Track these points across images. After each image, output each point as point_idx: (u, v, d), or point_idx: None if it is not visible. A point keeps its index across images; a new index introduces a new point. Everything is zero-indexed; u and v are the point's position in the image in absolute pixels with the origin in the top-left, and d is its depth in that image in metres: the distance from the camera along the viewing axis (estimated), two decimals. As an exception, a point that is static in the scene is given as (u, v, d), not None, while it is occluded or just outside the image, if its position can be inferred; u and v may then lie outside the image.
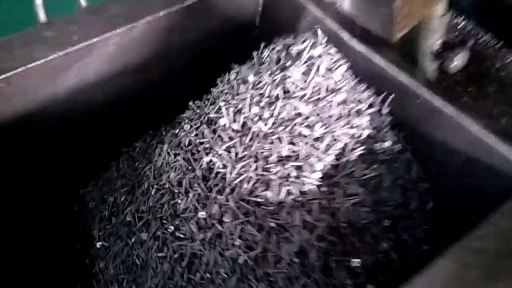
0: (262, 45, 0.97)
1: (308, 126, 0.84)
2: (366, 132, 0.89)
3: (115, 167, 1.18)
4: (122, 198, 1.06)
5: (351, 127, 0.87)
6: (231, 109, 0.87)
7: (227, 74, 0.96)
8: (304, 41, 0.90)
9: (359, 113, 0.90)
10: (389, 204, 0.88)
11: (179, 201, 0.88)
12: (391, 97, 0.94)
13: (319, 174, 0.82)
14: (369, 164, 0.87)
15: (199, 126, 0.91)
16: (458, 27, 1.12)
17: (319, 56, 0.88)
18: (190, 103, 0.98)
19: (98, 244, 1.06)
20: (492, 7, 1.23)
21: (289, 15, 1.10)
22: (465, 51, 0.98)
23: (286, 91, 0.87)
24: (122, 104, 1.07)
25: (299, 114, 0.85)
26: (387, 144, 0.91)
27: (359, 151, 0.86)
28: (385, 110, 0.95)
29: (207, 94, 0.99)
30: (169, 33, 1.05)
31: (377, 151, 0.89)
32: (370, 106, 0.93)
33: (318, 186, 0.83)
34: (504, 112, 1.02)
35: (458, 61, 0.96)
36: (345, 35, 0.98)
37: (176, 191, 0.90)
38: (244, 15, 1.19)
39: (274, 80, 0.87)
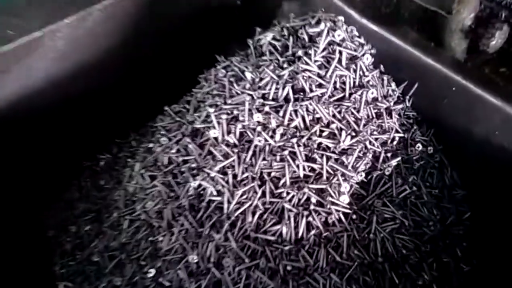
0: (258, 30, 0.77)
1: (330, 136, 0.67)
2: (397, 136, 0.72)
3: (76, 186, 1.01)
4: (87, 228, 0.90)
5: (383, 132, 0.69)
6: (224, 117, 0.69)
7: (212, 70, 0.76)
8: (318, 22, 0.70)
9: (388, 111, 0.72)
10: (429, 224, 0.73)
11: (161, 238, 0.71)
12: (415, 86, 0.79)
13: (347, 198, 0.65)
14: (404, 177, 0.70)
15: (181, 139, 0.73)
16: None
17: (342, 42, 0.69)
18: (166, 107, 0.80)
19: (61, 286, 0.88)
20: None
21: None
22: (506, 26, 0.80)
23: (298, 90, 0.69)
24: (78, 109, 0.92)
25: (318, 120, 0.68)
26: (420, 147, 0.75)
27: (393, 161, 0.69)
28: (410, 102, 0.80)
29: (186, 95, 0.81)
30: (132, 20, 0.91)
31: (412, 158, 0.72)
32: (398, 100, 0.76)
33: (346, 214, 0.66)
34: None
35: (500, 38, 0.79)
36: (353, 13, 0.81)
37: (156, 224, 0.72)
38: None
39: (281, 76, 0.69)
